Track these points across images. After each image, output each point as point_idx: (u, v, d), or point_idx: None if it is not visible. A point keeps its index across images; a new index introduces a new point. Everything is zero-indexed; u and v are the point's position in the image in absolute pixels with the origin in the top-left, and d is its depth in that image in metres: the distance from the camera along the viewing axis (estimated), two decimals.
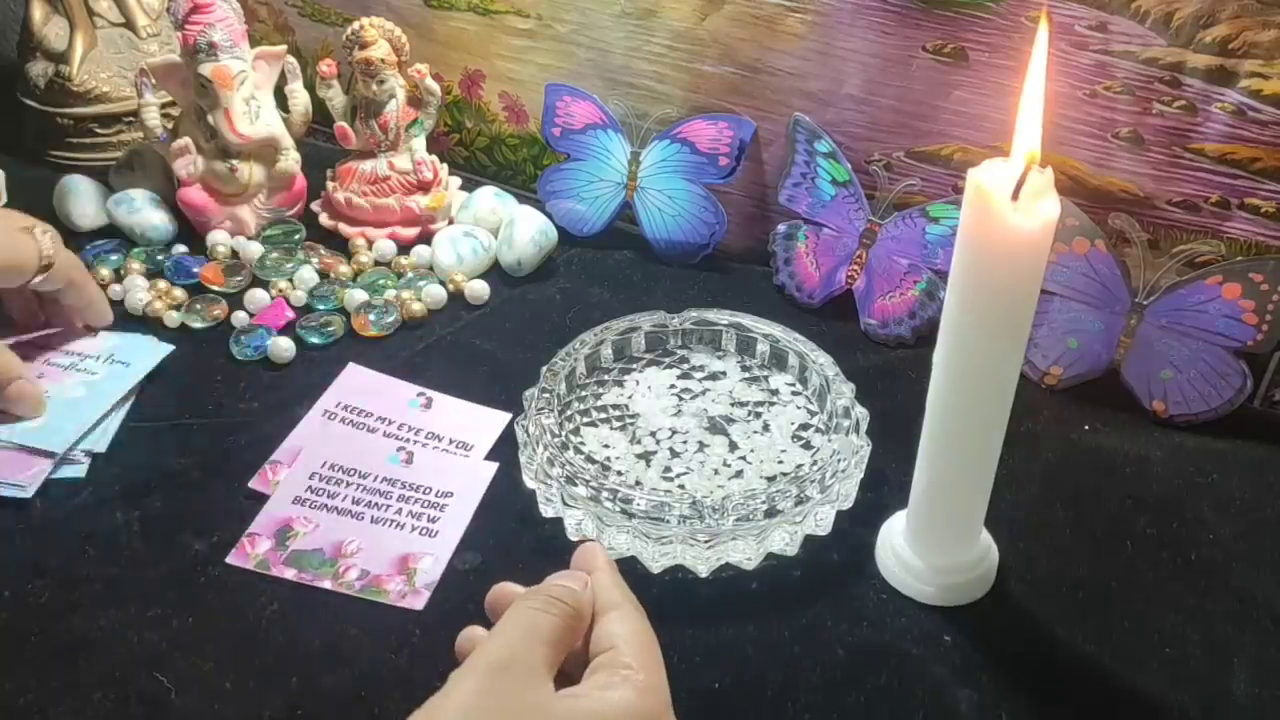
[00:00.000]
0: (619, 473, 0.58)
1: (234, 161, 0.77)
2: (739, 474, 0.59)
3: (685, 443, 0.60)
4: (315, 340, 0.70)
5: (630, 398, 0.63)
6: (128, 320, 0.71)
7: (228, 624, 0.51)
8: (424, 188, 0.80)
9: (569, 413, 0.62)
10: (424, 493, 0.58)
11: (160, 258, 0.76)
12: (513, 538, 0.56)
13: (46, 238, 0.63)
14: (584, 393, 0.64)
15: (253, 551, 0.54)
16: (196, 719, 0.47)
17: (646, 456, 0.60)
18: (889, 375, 0.68)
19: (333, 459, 0.60)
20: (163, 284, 0.73)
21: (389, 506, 0.57)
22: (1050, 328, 0.66)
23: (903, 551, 0.53)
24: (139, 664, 0.49)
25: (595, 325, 0.65)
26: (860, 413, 0.58)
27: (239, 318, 0.71)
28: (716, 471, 0.59)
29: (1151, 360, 0.64)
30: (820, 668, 0.49)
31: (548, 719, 0.36)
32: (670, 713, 0.39)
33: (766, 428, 0.62)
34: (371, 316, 0.71)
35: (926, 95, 0.69)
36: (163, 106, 0.79)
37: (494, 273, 0.77)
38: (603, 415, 0.62)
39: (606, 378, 0.65)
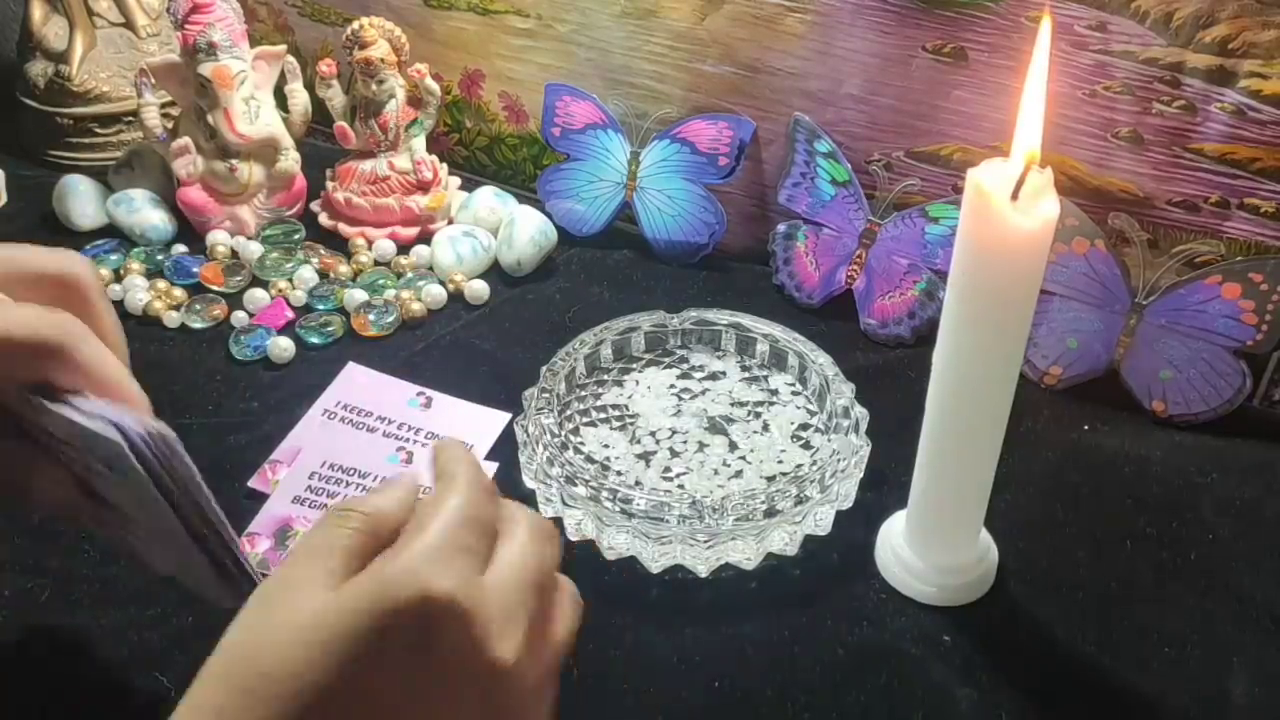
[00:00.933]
0: (619, 473, 0.58)
1: (234, 161, 0.77)
2: (739, 474, 0.59)
3: (685, 443, 0.60)
4: (315, 340, 0.70)
5: (630, 398, 0.63)
6: (126, 319, 0.71)
7: (228, 624, 0.51)
8: (424, 187, 0.80)
9: (569, 413, 0.62)
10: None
11: (160, 258, 0.76)
12: None
13: None
14: (583, 393, 0.64)
15: (252, 551, 0.54)
16: None
17: (646, 456, 0.60)
18: (888, 375, 0.68)
19: (332, 459, 0.60)
20: (162, 284, 0.73)
21: None
22: (1050, 327, 0.66)
23: (902, 551, 0.53)
24: (139, 664, 0.49)
25: (595, 325, 0.65)
26: (860, 413, 0.58)
27: (239, 318, 0.71)
28: (716, 471, 0.59)
29: (1151, 360, 0.64)
30: (820, 668, 0.49)
31: (303, 634, 0.32)
32: (439, 568, 0.33)
33: (766, 428, 0.62)
34: (371, 316, 0.71)
35: (926, 95, 0.69)
36: (162, 106, 0.79)
37: (493, 272, 0.77)
38: (602, 415, 0.62)
39: (606, 378, 0.65)
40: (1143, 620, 0.52)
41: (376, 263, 0.77)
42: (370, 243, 0.78)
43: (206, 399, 0.65)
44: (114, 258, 0.76)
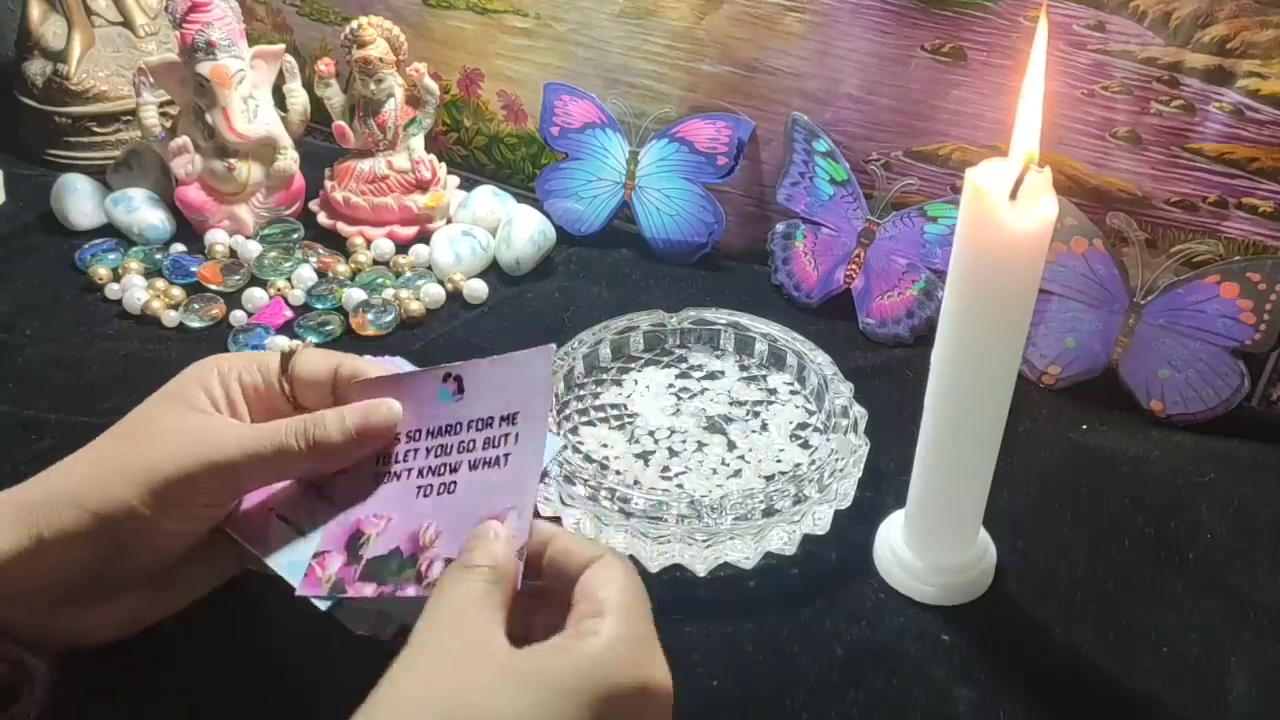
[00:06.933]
0: (617, 472, 0.58)
1: (232, 160, 0.77)
2: (737, 473, 0.59)
3: (684, 442, 0.60)
4: (313, 339, 0.70)
5: (629, 397, 0.63)
6: (124, 319, 0.71)
7: (227, 623, 0.51)
8: (422, 187, 0.80)
9: (567, 412, 0.62)
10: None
11: (158, 257, 0.76)
12: None
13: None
14: (582, 392, 0.64)
15: None
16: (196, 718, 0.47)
17: (645, 456, 0.60)
18: (887, 374, 0.68)
19: None
20: (161, 283, 0.73)
21: None
22: (1048, 327, 0.66)
23: (901, 551, 0.53)
24: (139, 664, 0.49)
25: (593, 324, 0.65)
26: (858, 412, 0.58)
27: (237, 317, 0.71)
28: (715, 471, 0.59)
29: (1149, 359, 0.64)
30: (818, 667, 0.49)
31: (511, 679, 0.34)
32: (653, 658, 0.37)
33: (765, 427, 0.62)
34: (370, 315, 0.71)
35: (925, 95, 0.69)
36: (161, 105, 0.79)
37: (492, 272, 0.77)
38: (601, 414, 0.62)
39: (605, 377, 0.65)
40: (1141, 619, 0.52)
41: (375, 262, 0.77)
42: (369, 242, 0.78)
43: None
44: (112, 257, 0.76)
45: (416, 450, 0.46)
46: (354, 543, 0.45)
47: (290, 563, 0.46)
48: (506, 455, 0.44)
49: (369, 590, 0.43)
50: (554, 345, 0.46)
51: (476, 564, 0.39)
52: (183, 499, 0.42)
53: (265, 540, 0.46)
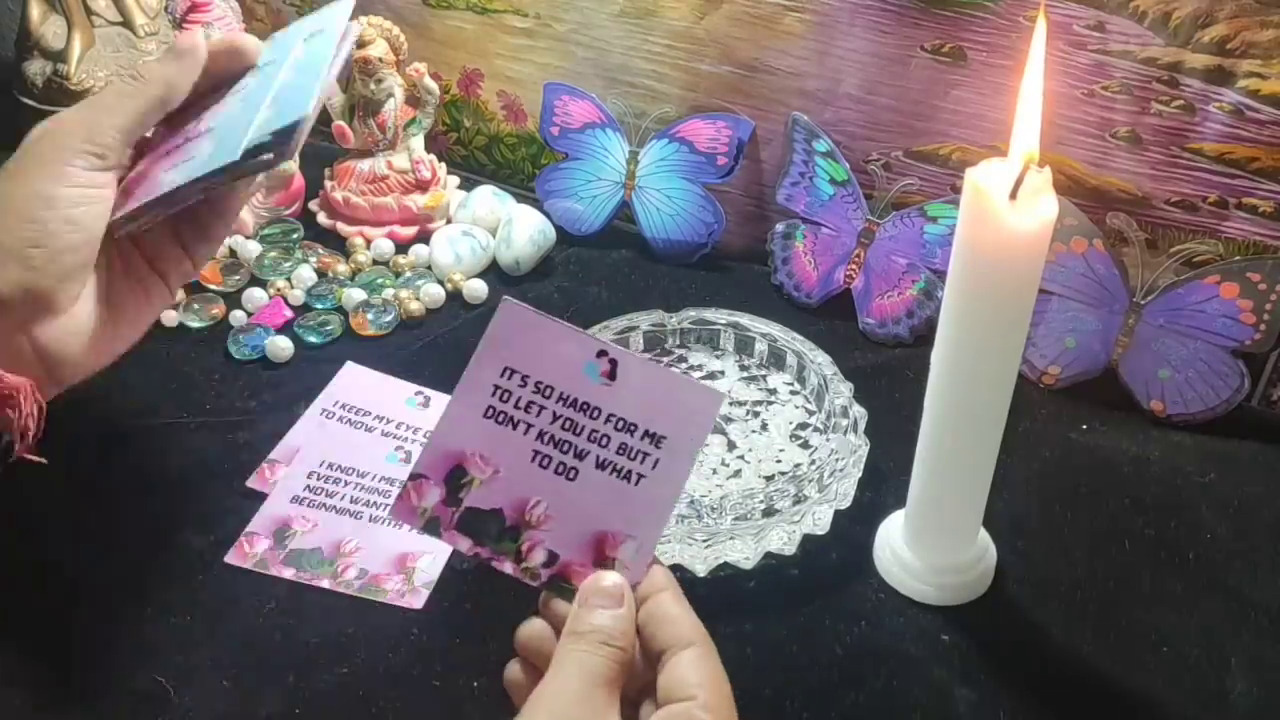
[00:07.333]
0: None
1: None
2: (737, 473, 0.59)
3: None
4: (313, 339, 0.69)
5: None
6: None
7: (226, 623, 0.51)
8: (422, 187, 0.80)
9: None
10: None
11: None
12: None
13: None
14: None
15: (251, 550, 0.54)
16: (195, 717, 0.47)
17: None
18: (887, 375, 0.68)
19: (331, 458, 0.60)
20: None
21: (387, 506, 0.57)
22: (1048, 327, 0.66)
23: (901, 551, 0.53)
24: (139, 664, 0.49)
25: (593, 324, 0.65)
26: (858, 412, 0.58)
27: (237, 317, 0.71)
28: (715, 471, 0.59)
29: (1149, 360, 0.64)
30: (818, 667, 0.49)
31: None
32: None
33: (765, 427, 0.62)
34: (370, 315, 0.71)
35: (925, 95, 0.69)
36: None
37: (492, 272, 0.77)
38: None
39: None
40: (1140, 620, 0.52)
41: (375, 262, 0.77)
42: (369, 242, 0.78)
43: (205, 398, 0.65)
44: None
45: (544, 408, 0.42)
46: (455, 479, 0.42)
47: (206, 157, 0.48)
48: (640, 476, 0.41)
49: (464, 545, 0.41)
50: (725, 394, 0.44)
51: (607, 640, 0.38)
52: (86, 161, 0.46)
53: (172, 179, 0.48)
